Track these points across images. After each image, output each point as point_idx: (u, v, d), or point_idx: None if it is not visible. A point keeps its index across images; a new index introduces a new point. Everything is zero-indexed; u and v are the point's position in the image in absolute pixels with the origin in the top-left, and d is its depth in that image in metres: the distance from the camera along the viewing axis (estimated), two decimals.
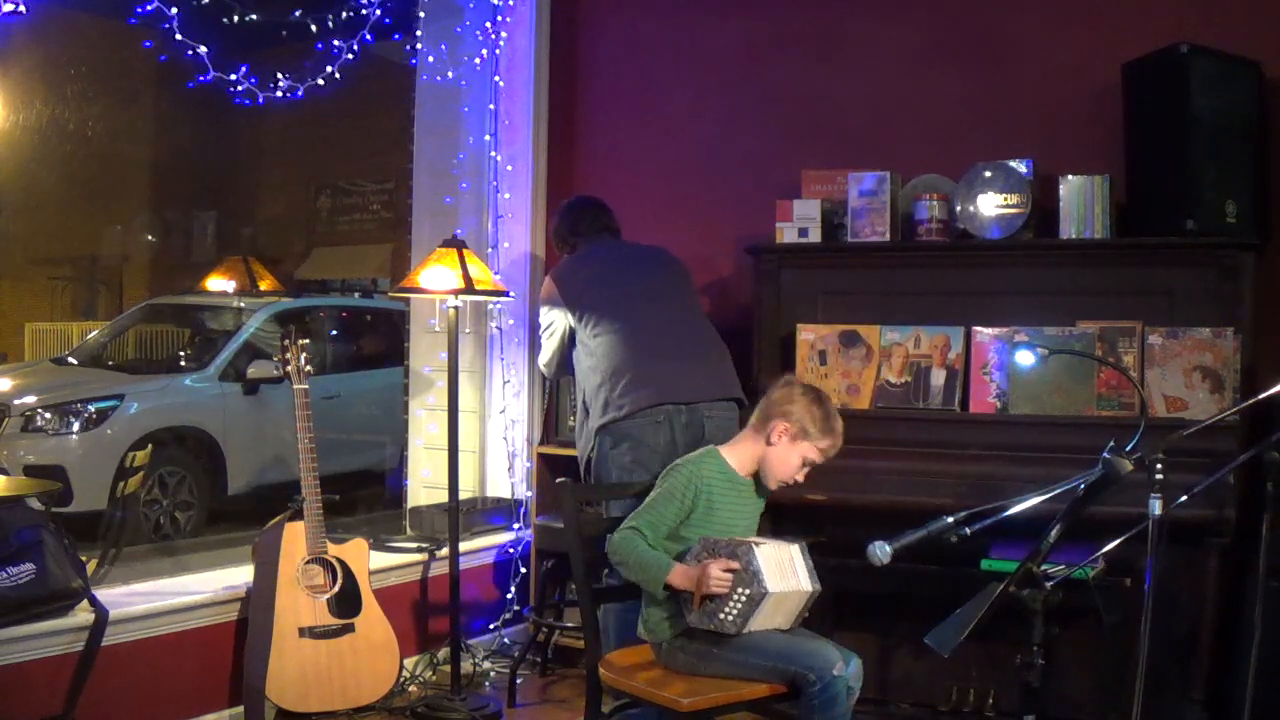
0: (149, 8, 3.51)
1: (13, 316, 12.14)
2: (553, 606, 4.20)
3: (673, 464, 2.94)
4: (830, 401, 2.92)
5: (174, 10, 3.52)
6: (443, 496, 4.12)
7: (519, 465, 4.61)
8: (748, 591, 2.60)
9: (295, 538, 3.56)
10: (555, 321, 3.70)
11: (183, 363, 7.82)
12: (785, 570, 2.68)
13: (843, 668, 2.58)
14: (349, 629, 3.58)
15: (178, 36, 3.57)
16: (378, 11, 4.07)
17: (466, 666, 4.04)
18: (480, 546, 4.37)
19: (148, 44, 3.78)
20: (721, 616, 2.63)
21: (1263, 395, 2.36)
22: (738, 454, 2.92)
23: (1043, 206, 3.57)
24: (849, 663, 2.62)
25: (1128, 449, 2.16)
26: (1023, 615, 2.24)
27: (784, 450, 2.84)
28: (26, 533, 3.08)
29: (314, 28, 4.02)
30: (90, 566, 3.46)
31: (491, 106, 4.64)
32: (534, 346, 4.36)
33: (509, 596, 4.43)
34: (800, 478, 2.88)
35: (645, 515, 2.81)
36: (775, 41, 4.35)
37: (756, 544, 2.64)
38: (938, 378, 3.54)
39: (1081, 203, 3.50)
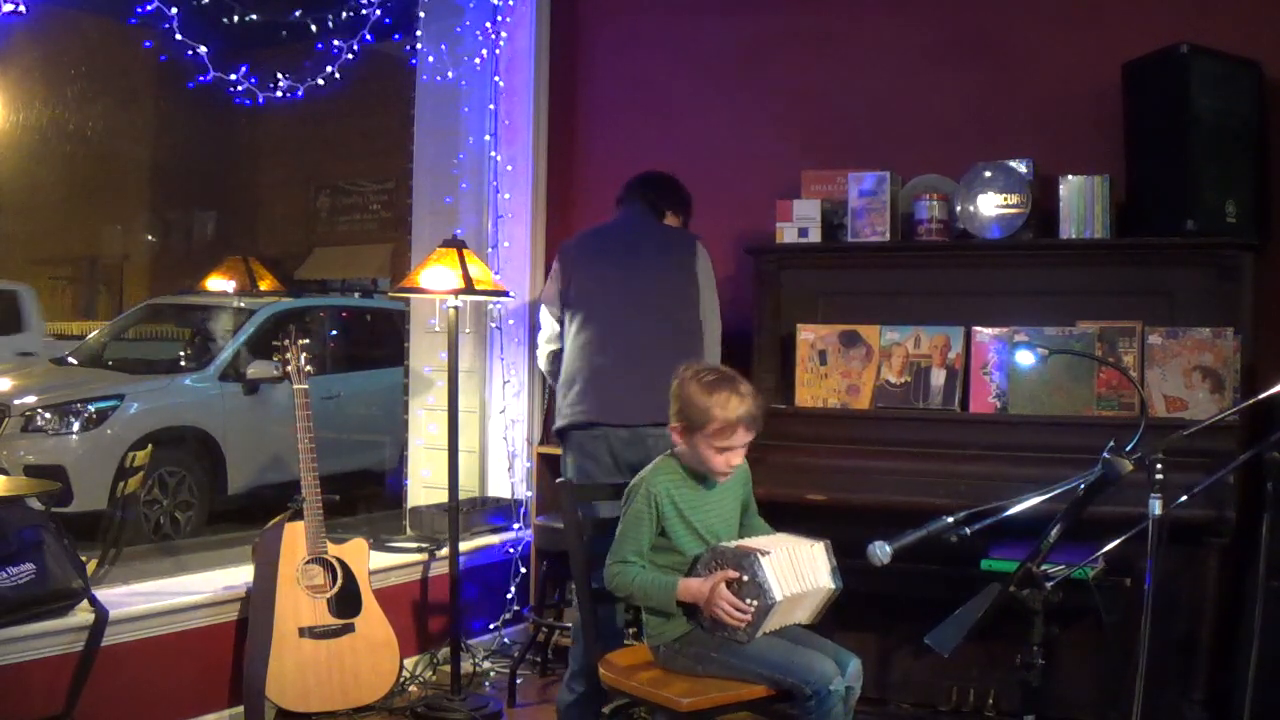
0: (149, 8, 3.51)
1: None
2: (552, 606, 4.20)
3: (631, 483, 2.85)
4: (713, 373, 2.76)
5: (174, 10, 3.52)
6: (443, 496, 4.12)
7: (519, 465, 4.61)
8: (755, 602, 2.59)
9: (295, 538, 3.56)
10: (545, 322, 3.68)
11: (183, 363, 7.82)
12: (800, 570, 2.66)
13: (839, 681, 2.57)
14: (349, 629, 3.58)
15: (178, 36, 3.58)
16: (378, 11, 4.07)
17: (466, 666, 4.04)
18: (480, 546, 4.37)
19: (148, 44, 3.78)
20: (734, 626, 2.63)
21: (1263, 395, 2.36)
22: (684, 455, 2.83)
23: (1043, 206, 3.57)
24: (846, 668, 2.61)
25: (1128, 449, 2.16)
26: (1023, 615, 2.23)
27: (692, 449, 2.76)
28: (26, 533, 3.08)
29: (314, 28, 4.02)
30: (90, 566, 3.45)
31: (491, 106, 4.64)
32: (534, 346, 4.36)
33: (509, 596, 4.43)
34: (734, 460, 2.75)
35: (625, 545, 2.76)
36: (775, 41, 4.35)
37: (762, 552, 2.61)
38: (938, 378, 3.54)
39: (1081, 203, 3.49)
